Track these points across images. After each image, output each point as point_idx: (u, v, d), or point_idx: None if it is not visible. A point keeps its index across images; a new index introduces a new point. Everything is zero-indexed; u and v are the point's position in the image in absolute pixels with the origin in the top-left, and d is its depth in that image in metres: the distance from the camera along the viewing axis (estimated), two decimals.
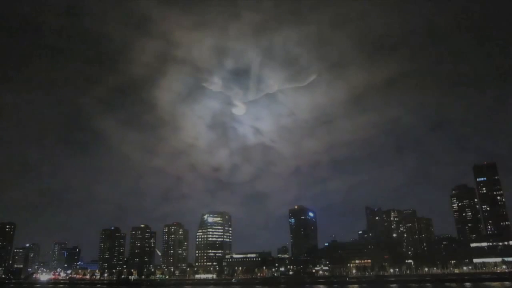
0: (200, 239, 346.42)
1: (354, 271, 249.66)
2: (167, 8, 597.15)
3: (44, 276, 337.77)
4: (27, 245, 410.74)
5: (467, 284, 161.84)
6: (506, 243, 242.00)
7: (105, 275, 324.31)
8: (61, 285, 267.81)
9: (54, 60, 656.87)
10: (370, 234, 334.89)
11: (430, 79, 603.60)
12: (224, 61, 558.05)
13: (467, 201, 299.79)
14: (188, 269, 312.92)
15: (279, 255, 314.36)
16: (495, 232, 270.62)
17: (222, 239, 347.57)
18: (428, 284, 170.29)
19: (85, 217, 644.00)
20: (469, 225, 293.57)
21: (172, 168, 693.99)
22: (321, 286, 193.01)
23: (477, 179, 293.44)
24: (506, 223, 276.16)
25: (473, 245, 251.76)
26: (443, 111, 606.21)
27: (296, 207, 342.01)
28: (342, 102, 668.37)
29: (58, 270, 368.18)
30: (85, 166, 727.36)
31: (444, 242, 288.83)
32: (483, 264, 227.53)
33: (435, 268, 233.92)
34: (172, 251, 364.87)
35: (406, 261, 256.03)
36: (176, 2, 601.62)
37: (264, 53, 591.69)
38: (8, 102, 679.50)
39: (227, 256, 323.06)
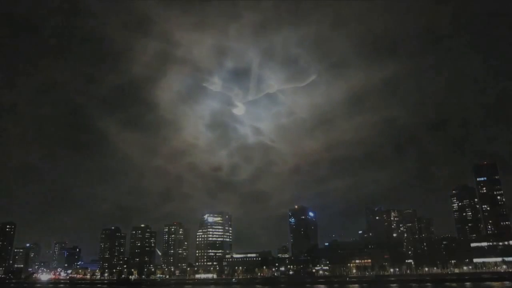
0: (200, 239, 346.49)
1: (354, 271, 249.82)
2: (168, 8, 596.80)
3: (44, 276, 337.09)
4: (27, 245, 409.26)
5: (467, 284, 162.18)
6: (506, 242, 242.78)
7: (105, 275, 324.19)
8: (62, 285, 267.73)
9: (54, 60, 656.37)
10: (370, 234, 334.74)
11: (430, 79, 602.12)
12: (224, 61, 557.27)
13: (467, 201, 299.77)
14: (188, 269, 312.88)
15: (279, 255, 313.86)
16: (495, 232, 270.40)
17: (222, 239, 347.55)
18: (428, 284, 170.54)
19: (85, 217, 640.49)
20: (469, 225, 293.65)
21: (172, 168, 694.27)
22: (321, 286, 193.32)
23: (477, 179, 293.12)
24: (506, 223, 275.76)
25: (473, 245, 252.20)
26: (443, 111, 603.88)
27: (296, 207, 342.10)
28: (342, 102, 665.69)
29: (59, 270, 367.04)
30: (85, 166, 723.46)
31: (444, 242, 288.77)
32: (483, 264, 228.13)
33: (435, 268, 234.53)
34: (172, 251, 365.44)
35: (406, 261, 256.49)
36: (177, 2, 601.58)
37: (264, 53, 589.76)
38: (8, 102, 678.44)
39: (227, 256, 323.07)
